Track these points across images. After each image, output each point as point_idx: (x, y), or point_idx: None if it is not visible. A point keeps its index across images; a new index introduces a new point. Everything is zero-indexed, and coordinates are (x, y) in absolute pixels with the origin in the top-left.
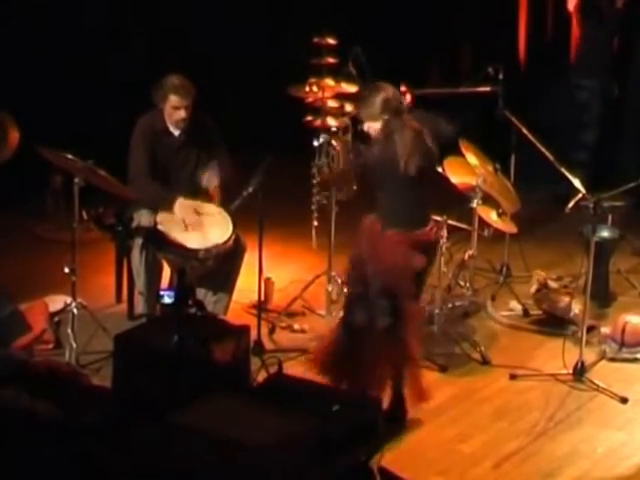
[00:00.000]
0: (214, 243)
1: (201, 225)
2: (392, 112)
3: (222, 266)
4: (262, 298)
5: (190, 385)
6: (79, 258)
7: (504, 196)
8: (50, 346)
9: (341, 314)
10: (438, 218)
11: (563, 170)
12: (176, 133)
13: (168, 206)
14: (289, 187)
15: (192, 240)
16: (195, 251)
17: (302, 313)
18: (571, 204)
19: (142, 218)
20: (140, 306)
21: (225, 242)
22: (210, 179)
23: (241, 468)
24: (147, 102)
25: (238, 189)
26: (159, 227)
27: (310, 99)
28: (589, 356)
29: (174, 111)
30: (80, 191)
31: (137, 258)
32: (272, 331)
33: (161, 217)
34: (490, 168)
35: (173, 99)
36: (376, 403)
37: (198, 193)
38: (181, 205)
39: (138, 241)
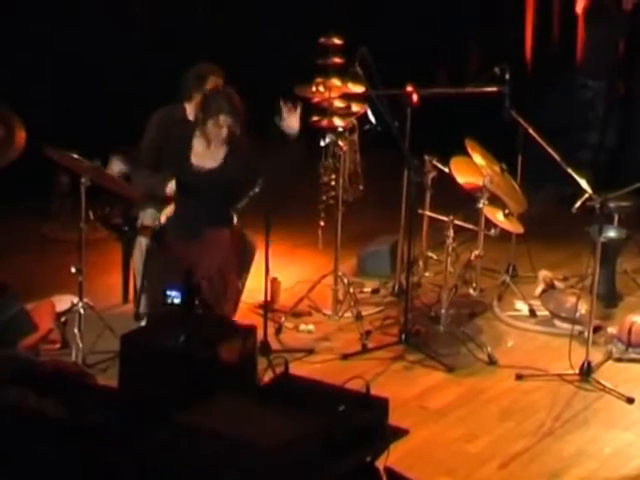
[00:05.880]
0: None
1: None
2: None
3: None
4: (268, 298)
5: (196, 385)
6: (86, 258)
7: (510, 196)
8: (56, 346)
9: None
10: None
11: (569, 170)
12: None
13: (162, 190)
14: (296, 187)
15: None
16: None
17: (308, 313)
18: (577, 204)
19: (146, 217)
20: (143, 305)
21: None
22: None
23: (247, 468)
24: (153, 101)
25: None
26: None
27: (316, 99)
28: (596, 356)
29: None
30: (87, 191)
31: (139, 257)
32: (278, 331)
33: (165, 216)
34: (496, 168)
35: (213, 80)
36: (383, 404)
37: None
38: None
39: (140, 240)
